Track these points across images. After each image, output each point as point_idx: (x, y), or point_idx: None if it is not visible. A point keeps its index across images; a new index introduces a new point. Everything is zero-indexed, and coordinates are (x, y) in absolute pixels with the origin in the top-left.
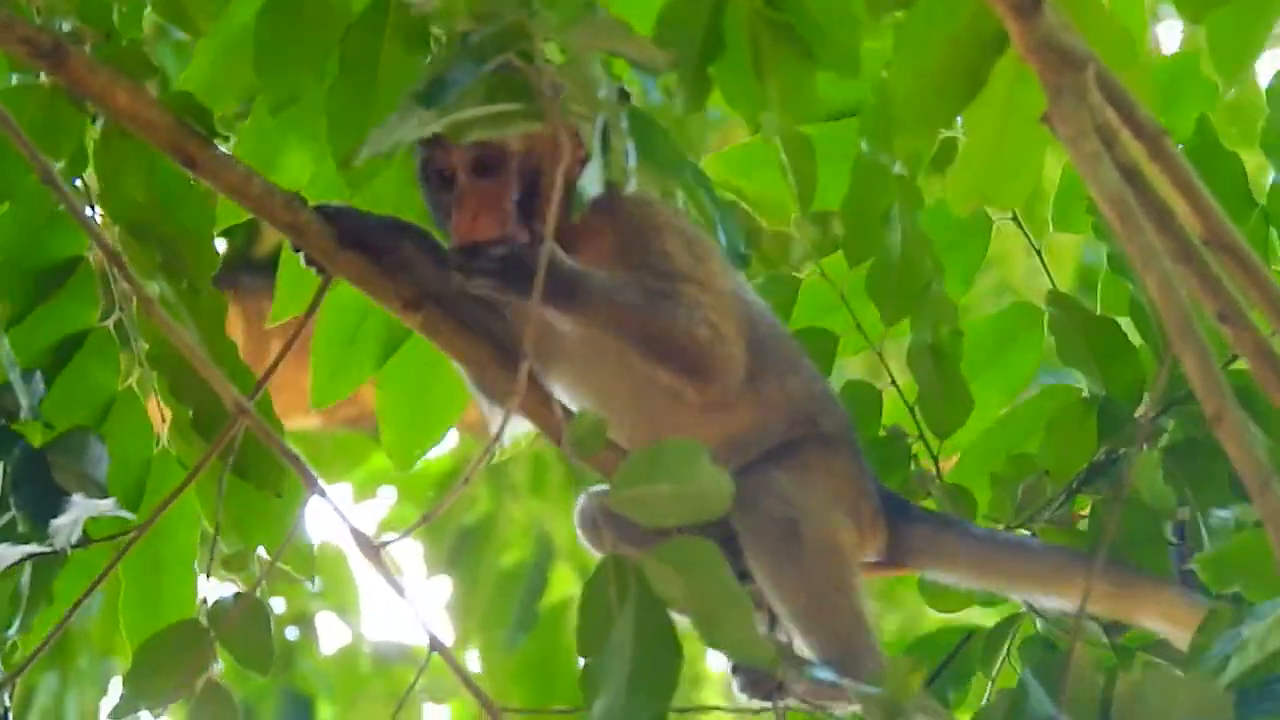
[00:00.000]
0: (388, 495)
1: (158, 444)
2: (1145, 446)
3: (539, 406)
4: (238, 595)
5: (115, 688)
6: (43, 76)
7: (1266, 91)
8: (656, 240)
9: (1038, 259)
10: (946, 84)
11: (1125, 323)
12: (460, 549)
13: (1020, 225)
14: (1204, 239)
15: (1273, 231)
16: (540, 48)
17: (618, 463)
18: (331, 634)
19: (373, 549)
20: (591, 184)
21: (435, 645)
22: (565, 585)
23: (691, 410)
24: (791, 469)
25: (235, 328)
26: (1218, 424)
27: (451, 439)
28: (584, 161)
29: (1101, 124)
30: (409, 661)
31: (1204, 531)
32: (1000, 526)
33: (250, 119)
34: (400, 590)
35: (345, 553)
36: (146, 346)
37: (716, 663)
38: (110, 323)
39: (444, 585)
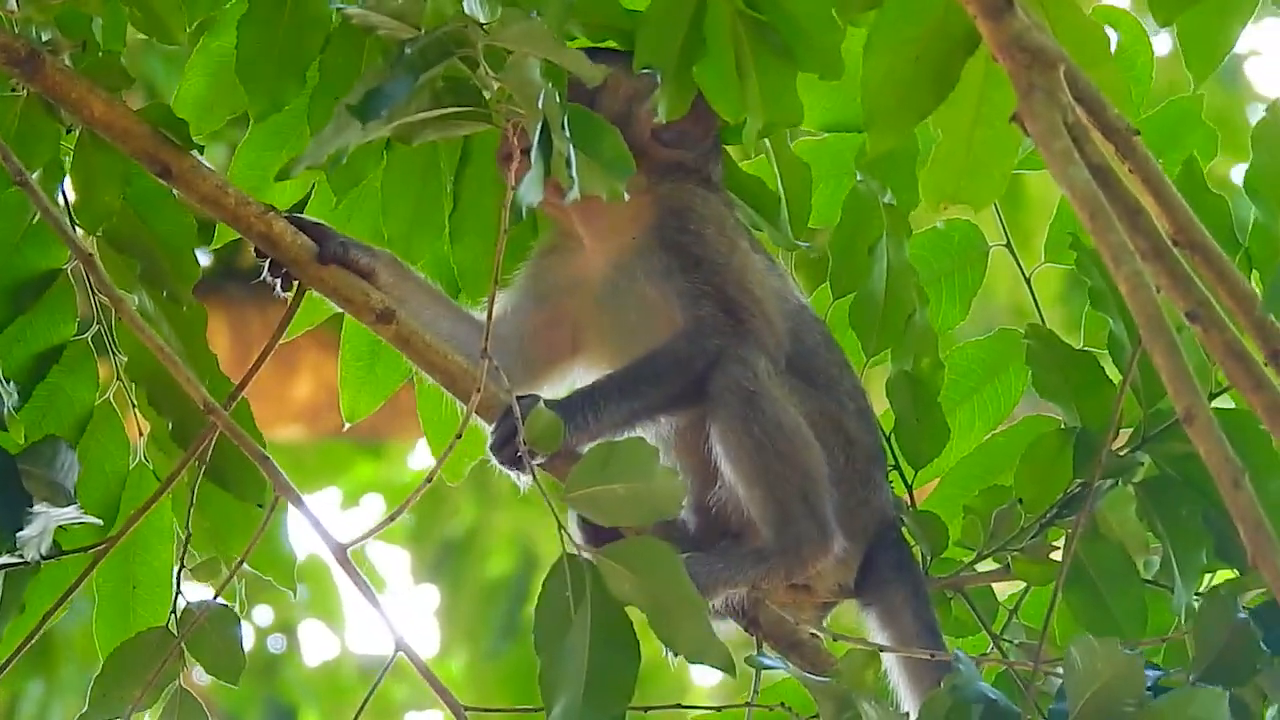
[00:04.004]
0: (374, 504)
1: (134, 459)
2: (1119, 481)
3: None
4: (205, 602)
5: None
6: (18, 89)
7: (1251, 136)
8: (694, 222)
9: (1017, 268)
10: (917, 83)
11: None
12: (445, 558)
13: (1013, 253)
14: (1172, 238)
15: (1255, 273)
16: (481, 53)
17: None
18: (316, 644)
19: (340, 550)
20: (530, 193)
21: (400, 646)
22: None
23: None
24: (790, 379)
25: (220, 336)
26: (1189, 422)
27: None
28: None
29: (1072, 123)
30: (393, 671)
31: (1175, 568)
32: (973, 554)
33: (243, 144)
34: (368, 594)
35: (329, 564)
36: (125, 359)
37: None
38: (88, 336)
39: (431, 594)
